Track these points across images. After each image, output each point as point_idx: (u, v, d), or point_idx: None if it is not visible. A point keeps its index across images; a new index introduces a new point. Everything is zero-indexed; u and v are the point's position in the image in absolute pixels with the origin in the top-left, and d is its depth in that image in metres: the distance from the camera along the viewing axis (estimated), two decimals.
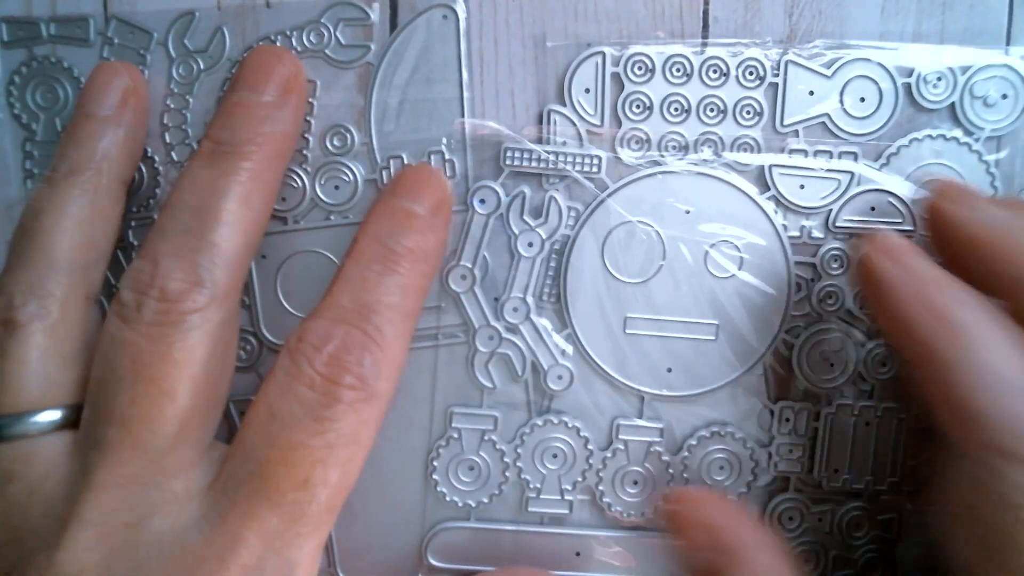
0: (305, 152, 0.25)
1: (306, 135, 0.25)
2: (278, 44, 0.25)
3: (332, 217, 0.26)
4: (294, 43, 0.25)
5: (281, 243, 0.26)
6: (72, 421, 0.22)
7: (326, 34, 0.25)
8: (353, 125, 0.25)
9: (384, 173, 0.25)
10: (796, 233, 0.26)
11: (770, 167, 0.26)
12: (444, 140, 0.25)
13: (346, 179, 0.26)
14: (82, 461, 0.21)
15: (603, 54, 0.25)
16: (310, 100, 0.25)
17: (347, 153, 0.25)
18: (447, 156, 0.25)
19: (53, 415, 0.22)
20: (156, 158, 0.26)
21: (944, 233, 0.23)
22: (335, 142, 0.25)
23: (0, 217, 0.26)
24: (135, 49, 0.26)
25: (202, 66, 0.26)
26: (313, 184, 0.26)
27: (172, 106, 0.26)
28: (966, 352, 0.21)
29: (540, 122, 0.25)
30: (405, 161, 0.25)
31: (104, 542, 0.20)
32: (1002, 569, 0.20)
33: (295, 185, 0.26)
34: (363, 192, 0.26)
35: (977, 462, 0.21)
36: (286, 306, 0.26)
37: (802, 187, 0.26)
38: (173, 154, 0.26)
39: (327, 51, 0.25)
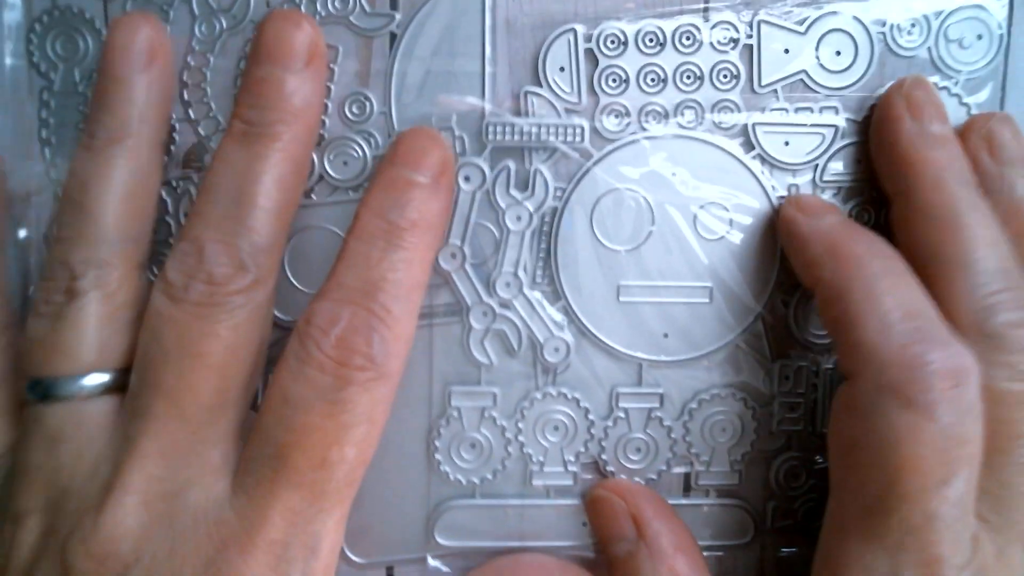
0: (323, 118, 0.25)
1: (325, 101, 0.25)
2: (303, 7, 0.25)
3: (349, 192, 0.26)
4: (319, 7, 0.25)
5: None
6: (120, 385, 0.23)
7: (351, 0, 0.25)
8: (372, 94, 0.25)
9: None
10: (783, 191, 0.26)
11: (753, 125, 0.25)
12: (454, 117, 0.25)
13: (355, 155, 0.25)
14: (126, 430, 0.22)
15: (574, 31, 0.25)
16: (331, 66, 0.25)
17: (365, 121, 0.25)
18: (457, 133, 0.25)
19: (102, 377, 0.22)
20: (173, 115, 0.25)
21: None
22: (354, 110, 0.25)
23: (18, 167, 0.26)
24: (158, 4, 0.25)
25: (225, 25, 0.25)
26: (322, 160, 0.25)
27: (193, 64, 0.25)
28: (861, 290, 0.22)
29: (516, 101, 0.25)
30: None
31: (146, 509, 0.21)
32: (865, 499, 0.21)
33: None
34: (372, 168, 0.25)
35: (864, 397, 0.21)
36: (294, 282, 0.26)
37: (787, 144, 0.26)
38: (191, 111, 0.25)
39: (351, 18, 0.25)
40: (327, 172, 0.25)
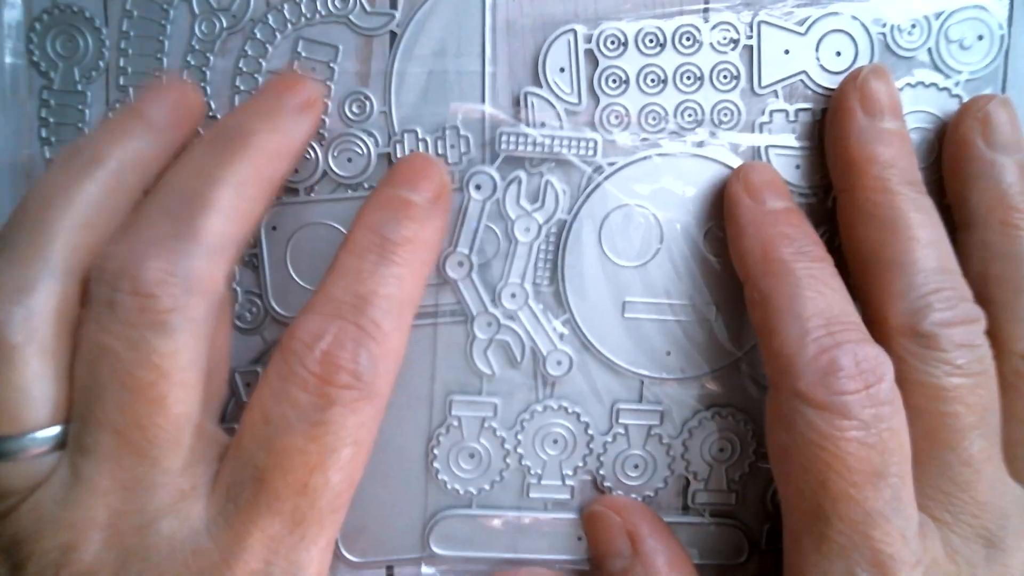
0: (323, 117, 0.25)
1: (324, 100, 0.25)
2: (302, 7, 0.25)
3: (348, 191, 0.26)
4: (318, 6, 0.25)
5: (292, 214, 0.25)
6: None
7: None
8: (372, 93, 0.25)
9: (398, 146, 0.25)
10: None
11: (766, 148, 0.25)
12: (460, 116, 0.25)
13: (359, 152, 0.25)
14: (79, 469, 0.20)
15: (574, 32, 0.25)
16: (331, 65, 0.25)
17: (365, 121, 0.25)
18: (462, 132, 0.25)
19: (52, 431, 0.20)
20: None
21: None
22: (354, 109, 0.25)
23: (15, 169, 0.26)
24: (159, 3, 0.25)
25: (224, 24, 0.25)
26: (326, 156, 0.25)
27: (193, 63, 0.25)
28: (784, 297, 0.22)
29: (517, 104, 0.25)
30: (420, 134, 0.25)
31: (118, 543, 0.20)
32: (806, 504, 0.22)
33: (308, 156, 0.25)
34: (376, 165, 0.25)
35: (786, 405, 0.22)
36: (295, 277, 0.26)
37: (798, 167, 0.26)
38: None
39: (351, 16, 0.25)
40: (331, 168, 0.25)
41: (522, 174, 0.25)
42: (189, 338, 0.20)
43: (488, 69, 0.25)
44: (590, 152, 0.25)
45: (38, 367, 0.20)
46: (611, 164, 0.25)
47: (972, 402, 0.22)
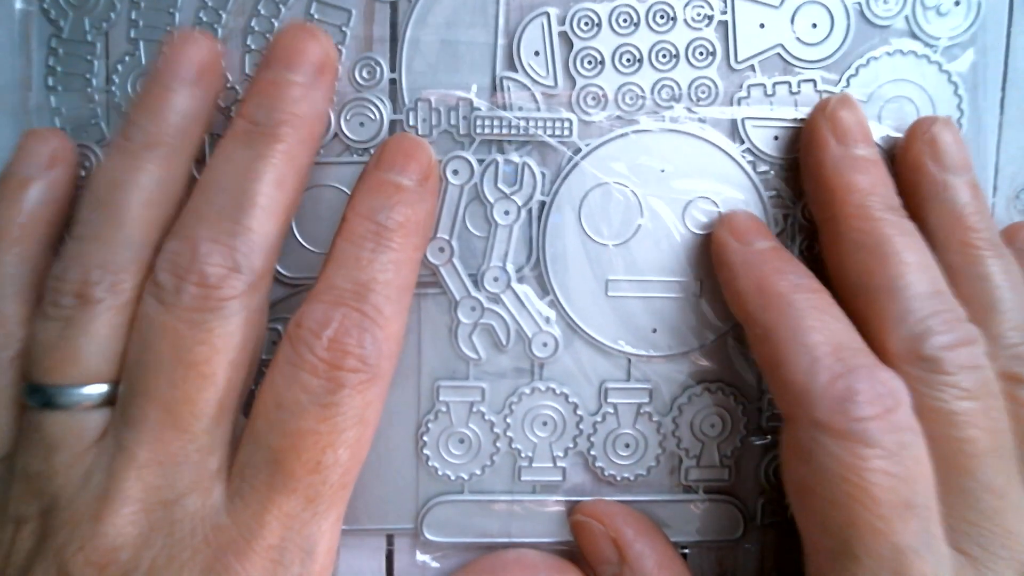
0: (338, 68, 0.25)
1: (338, 48, 0.25)
2: None
3: (355, 155, 0.26)
4: None
5: None
6: (116, 396, 0.22)
7: None
8: (384, 59, 0.25)
9: (411, 114, 0.25)
10: (775, 187, 0.26)
11: (743, 120, 0.25)
12: (474, 87, 0.25)
13: (372, 117, 0.25)
14: (120, 439, 0.21)
15: (547, 14, 0.25)
16: (343, 29, 0.25)
17: (375, 87, 0.25)
18: (476, 104, 0.25)
19: (102, 388, 0.22)
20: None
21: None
22: (364, 74, 0.25)
23: (18, 115, 0.26)
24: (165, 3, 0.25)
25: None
26: (339, 120, 0.25)
27: (205, 20, 0.25)
28: (787, 329, 0.22)
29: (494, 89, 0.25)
30: (433, 104, 0.25)
31: (145, 517, 0.21)
32: (830, 542, 0.21)
33: None
34: (388, 132, 0.25)
35: (804, 437, 0.21)
36: (300, 240, 0.26)
37: (776, 138, 0.26)
38: None
39: None
40: (343, 131, 0.25)
41: (498, 157, 0.25)
42: (242, 325, 0.22)
43: (500, 41, 0.25)
44: (566, 132, 0.25)
45: (114, 321, 0.22)
46: (587, 143, 0.25)
47: (986, 425, 0.21)
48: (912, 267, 0.22)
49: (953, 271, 0.23)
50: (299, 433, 0.21)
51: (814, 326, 0.22)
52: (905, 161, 0.25)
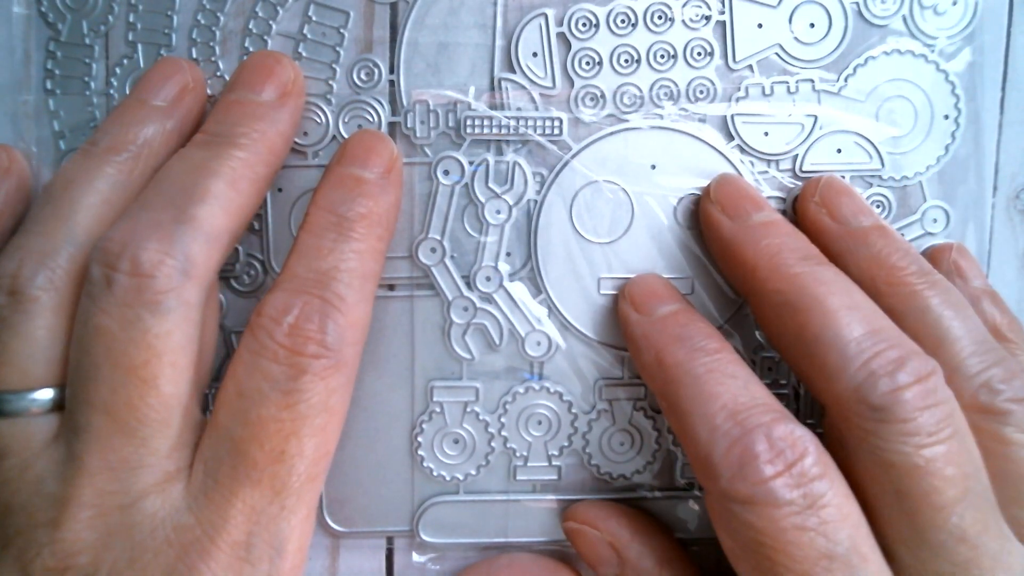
0: (331, 82, 0.25)
1: (333, 65, 0.25)
2: None
3: None
4: None
5: (299, 177, 0.26)
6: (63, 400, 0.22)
7: None
8: (382, 61, 0.25)
9: (409, 116, 0.25)
10: (767, 183, 0.26)
11: (732, 116, 0.25)
12: (472, 89, 0.25)
13: (370, 119, 0.25)
14: (70, 445, 0.21)
15: (545, 15, 0.25)
16: (341, 31, 0.25)
17: (373, 88, 0.25)
18: (473, 106, 0.25)
19: (50, 393, 0.21)
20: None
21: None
22: (362, 76, 0.25)
23: (20, 120, 0.26)
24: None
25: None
26: (337, 121, 0.25)
27: (203, 22, 0.25)
28: (687, 399, 0.22)
29: (492, 90, 0.25)
30: (431, 106, 0.25)
31: (102, 521, 0.20)
32: None
33: (318, 121, 0.25)
34: (386, 133, 0.25)
35: (718, 508, 0.21)
36: None
37: (766, 134, 0.26)
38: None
39: None
40: (340, 134, 0.25)
41: (489, 157, 0.25)
42: (182, 321, 0.21)
43: (498, 42, 0.25)
44: (556, 131, 0.25)
45: (53, 323, 0.21)
46: (578, 142, 0.25)
47: (953, 473, 0.20)
48: (838, 312, 0.21)
49: (894, 314, 0.22)
50: (261, 421, 0.20)
51: (713, 392, 0.21)
52: (805, 226, 0.24)
